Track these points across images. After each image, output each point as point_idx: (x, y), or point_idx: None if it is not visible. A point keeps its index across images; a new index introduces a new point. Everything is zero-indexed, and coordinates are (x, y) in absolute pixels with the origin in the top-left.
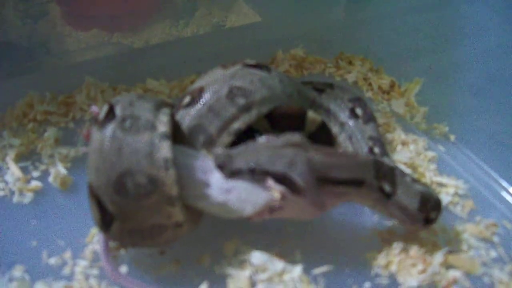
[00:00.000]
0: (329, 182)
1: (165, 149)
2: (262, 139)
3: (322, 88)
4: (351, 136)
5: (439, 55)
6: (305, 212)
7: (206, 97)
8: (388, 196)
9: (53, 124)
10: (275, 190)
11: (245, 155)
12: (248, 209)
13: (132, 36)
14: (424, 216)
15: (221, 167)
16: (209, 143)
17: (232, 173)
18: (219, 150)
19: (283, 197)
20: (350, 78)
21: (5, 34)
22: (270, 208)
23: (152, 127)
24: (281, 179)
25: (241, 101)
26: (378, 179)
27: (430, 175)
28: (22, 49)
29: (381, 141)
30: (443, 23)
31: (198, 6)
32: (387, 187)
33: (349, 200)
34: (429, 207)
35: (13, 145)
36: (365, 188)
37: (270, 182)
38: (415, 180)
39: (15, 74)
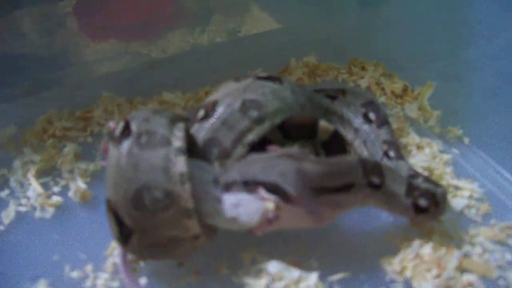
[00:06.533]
0: (325, 191)
1: (180, 164)
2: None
3: (334, 95)
4: (365, 141)
5: (451, 58)
6: (304, 221)
7: (220, 110)
8: (377, 187)
9: (72, 139)
10: (268, 200)
11: (239, 167)
12: (254, 221)
13: (149, 45)
14: (411, 202)
15: (216, 181)
16: (224, 156)
17: (226, 186)
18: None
19: (277, 207)
20: (363, 83)
21: (23, 47)
22: (268, 219)
23: (168, 142)
24: (273, 189)
25: (254, 113)
26: (366, 176)
27: (447, 178)
28: (40, 62)
29: (395, 145)
30: (455, 25)
31: (213, 13)
32: (375, 180)
33: (343, 208)
34: (416, 193)
35: (34, 161)
36: (353, 190)
37: (263, 192)
38: (428, 179)
39: (34, 89)
